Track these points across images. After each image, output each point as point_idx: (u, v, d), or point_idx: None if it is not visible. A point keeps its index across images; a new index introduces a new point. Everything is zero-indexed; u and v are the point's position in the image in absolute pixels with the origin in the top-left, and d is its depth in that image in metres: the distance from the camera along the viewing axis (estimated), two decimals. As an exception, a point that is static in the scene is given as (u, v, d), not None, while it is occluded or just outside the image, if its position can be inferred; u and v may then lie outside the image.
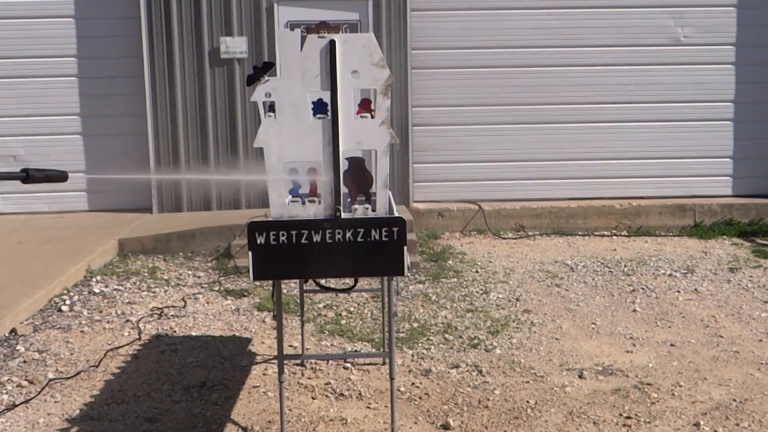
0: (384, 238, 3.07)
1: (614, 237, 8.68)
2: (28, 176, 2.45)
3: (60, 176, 2.55)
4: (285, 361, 4.44)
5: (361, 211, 3.16)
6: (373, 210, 3.16)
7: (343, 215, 3.13)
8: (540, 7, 8.99)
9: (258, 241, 3.04)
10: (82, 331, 5.44)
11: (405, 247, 3.09)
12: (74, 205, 9.21)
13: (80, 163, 9.14)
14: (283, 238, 3.06)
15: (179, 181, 8.72)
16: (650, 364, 4.81)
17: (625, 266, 7.26)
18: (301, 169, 3.20)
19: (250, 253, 3.06)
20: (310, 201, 3.17)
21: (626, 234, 8.79)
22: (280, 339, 3.33)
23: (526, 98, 9.11)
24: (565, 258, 7.63)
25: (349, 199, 3.30)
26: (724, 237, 8.55)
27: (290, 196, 3.27)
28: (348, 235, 3.08)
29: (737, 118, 9.25)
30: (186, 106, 8.76)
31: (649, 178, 9.31)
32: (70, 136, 9.11)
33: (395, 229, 3.07)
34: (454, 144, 9.18)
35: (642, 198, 9.20)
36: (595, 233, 8.81)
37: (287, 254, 3.07)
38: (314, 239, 3.08)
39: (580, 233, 8.78)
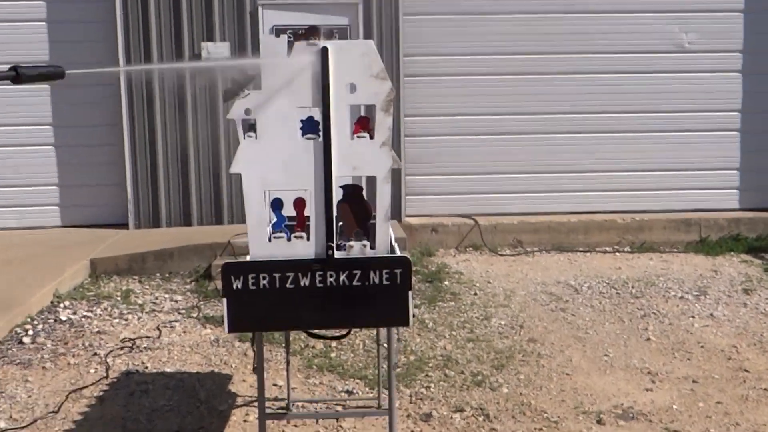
0: (385, 282, 2.59)
1: (617, 253, 8.24)
2: (18, 75, 2.02)
3: (56, 73, 2.15)
4: (269, 403, 3.95)
5: (357, 248, 2.67)
6: (372, 247, 2.67)
7: (337, 254, 2.63)
8: (538, 12, 8.56)
9: (234, 286, 2.54)
10: (43, 367, 4.92)
11: (410, 293, 2.60)
12: (46, 220, 8.66)
13: (53, 175, 8.61)
14: (264, 282, 2.57)
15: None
16: (674, 406, 4.35)
17: (632, 287, 6.81)
18: (286, 199, 2.71)
19: (224, 300, 2.56)
20: (296, 237, 2.67)
21: (629, 250, 8.35)
22: (261, 399, 2.83)
23: (523, 107, 8.67)
24: (568, 278, 7.17)
25: (343, 235, 2.80)
26: (732, 253, 8.13)
27: (273, 231, 2.77)
28: (342, 278, 2.59)
29: (744, 129, 8.84)
30: (165, 115, 8.25)
31: (652, 191, 8.88)
32: (42, 147, 8.56)
33: (398, 271, 2.59)
34: (448, 155, 8.72)
35: (645, 212, 8.76)
36: (597, 249, 8.37)
37: (269, 301, 2.57)
38: (302, 283, 2.59)
39: (581, 249, 8.34)
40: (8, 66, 2.23)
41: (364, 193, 2.82)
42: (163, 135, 8.26)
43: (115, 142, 8.36)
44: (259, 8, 8.14)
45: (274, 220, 2.79)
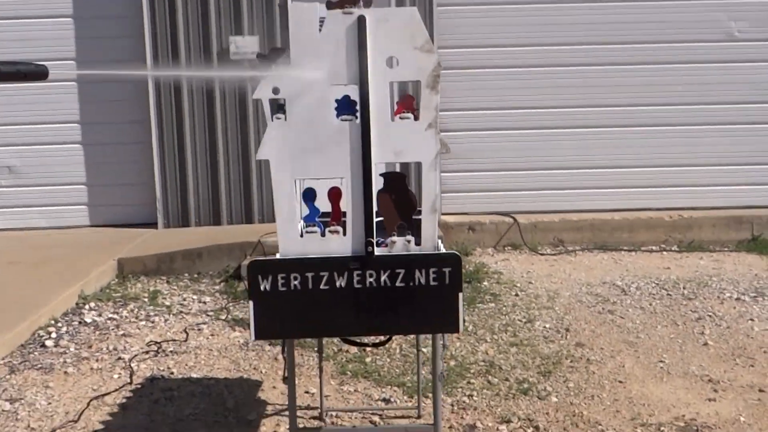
0: (432, 282, 2.28)
1: (664, 253, 7.84)
2: None
3: (37, 72, 1.85)
4: (301, 413, 3.67)
5: (400, 244, 2.37)
6: (417, 243, 2.37)
7: (377, 251, 2.34)
8: (578, 1, 8.18)
9: (262, 287, 2.26)
10: (65, 372, 4.69)
11: (460, 294, 2.29)
12: (75, 219, 8.48)
13: (81, 174, 8.44)
14: (296, 282, 2.28)
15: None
16: (741, 418, 3.98)
17: (684, 288, 6.42)
18: (319, 189, 2.42)
19: (250, 303, 2.28)
20: (331, 231, 2.38)
21: (677, 249, 7.94)
22: (293, 413, 2.54)
23: (563, 101, 8.29)
24: (614, 278, 6.80)
25: (384, 229, 2.50)
26: (788, 253, 7.69)
27: (305, 225, 2.48)
28: (383, 278, 2.29)
29: (798, 121, 8.39)
30: (193, 112, 8.03)
31: (701, 187, 8.44)
32: (69, 145, 8.39)
33: (447, 270, 2.28)
34: (485, 151, 8.38)
35: (693, 209, 8.34)
36: (643, 248, 7.97)
37: (301, 304, 2.28)
38: (337, 284, 2.30)
39: (625, 248, 7.95)
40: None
41: (408, 181, 2.53)
42: (192, 132, 8.05)
43: (143, 139, 8.17)
44: (289, 0, 7.88)
45: (306, 212, 2.50)
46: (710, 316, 5.69)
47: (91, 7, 8.16)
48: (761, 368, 4.67)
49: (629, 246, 8.01)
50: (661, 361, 4.82)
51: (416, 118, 2.38)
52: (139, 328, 5.54)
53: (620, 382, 4.50)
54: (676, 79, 8.31)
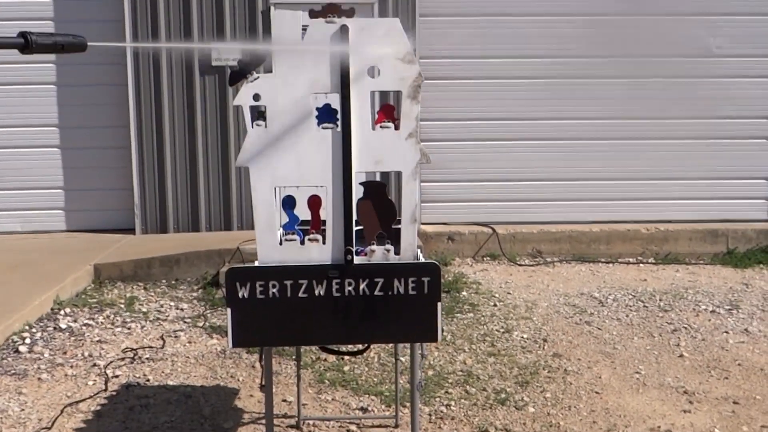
0: (411, 291, 2.28)
1: (641, 265, 7.90)
2: (27, 44, 1.71)
3: (75, 44, 1.80)
4: (278, 421, 3.65)
5: (380, 253, 2.37)
6: (397, 253, 2.37)
7: (356, 260, 2.34)
8: (558, 14, 8.24)
9: (240, 294, 2.25)
10: (39, 379, 4.63)
11: (439, 304, 2.30)
12: (51, 224, 8.40)
13: (58, 178, 8.36)
14: (274, 290, 2.27)
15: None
16: (716, 430, 4.01)
17: (660, 300, 6.48)
18: (299, 197, 2.41)
19: (228, 311, 2.27)
20: (311, 240, 2.38)
21: (654, 261, 8.01)
22: (270, 422, 2.52)
23: (543, 112, 8.35)
24: (592, 289, 6.84)
25: (363, 238, 2.50)
26: (762, 266, 7.77)
27: (284, 233, 2.47)
28: (362, 286, 2.29)
29: (773, 137, 8.51)
30: (173, 118, 7.99)
31: (677, 201, 8.53)
32: (47, 149, 8.31)
33: (426, 279, 2.29)
34: (465, 161, 8.41)
35: (670, 222, 8.41)
36: (620, 260, 8.03)
37: (279, 312, 2.27)
38: (316, 292, 2.29)
39: (603, 260, 8.00)
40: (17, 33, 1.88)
41: (388, 190, 2.54)
42: (171, 138, 8.01)
43: (123, 144, 8.12)
44: (272, 8, 7.86)
45: (286, 220, 2.49)
46: (686, 328, 5.74)
47: (71, 11, 8.09)
48: (736, 380, 4.72)
49: (607, 258, 8.07)
50: (638, 373, 4.85)
51: (397, 128, 2.38)
52: (115, 335, 5.49)
53: (597, 392, 4.53)
54: (655, 93, 8.40)
